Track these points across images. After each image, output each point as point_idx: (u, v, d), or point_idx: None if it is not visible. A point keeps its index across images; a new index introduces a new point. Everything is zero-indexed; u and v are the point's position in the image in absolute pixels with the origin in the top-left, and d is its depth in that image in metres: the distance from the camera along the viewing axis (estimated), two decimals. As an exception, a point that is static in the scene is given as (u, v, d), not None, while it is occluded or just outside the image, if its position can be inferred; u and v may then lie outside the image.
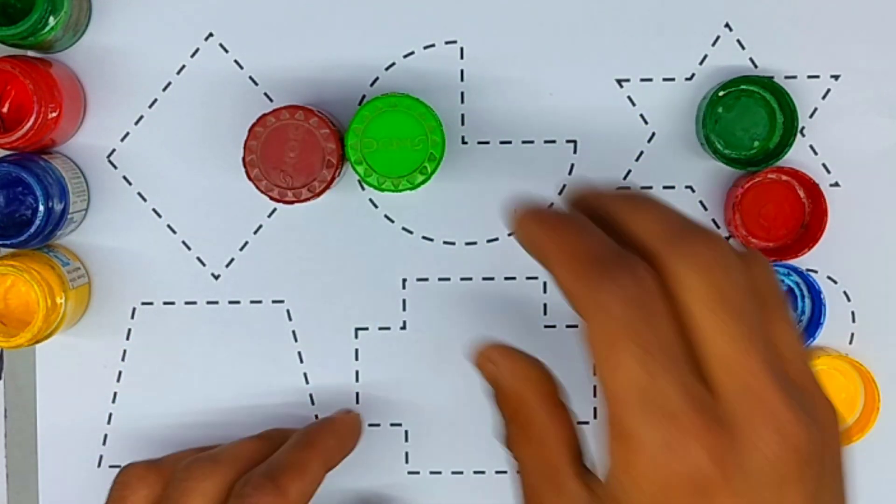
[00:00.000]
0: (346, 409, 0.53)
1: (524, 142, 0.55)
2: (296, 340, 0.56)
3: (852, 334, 0.56)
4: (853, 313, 0.56)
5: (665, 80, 0.55)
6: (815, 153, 0.55)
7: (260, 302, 0.56)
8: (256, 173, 0.50)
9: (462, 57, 0.55)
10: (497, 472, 0.56)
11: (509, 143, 0.55)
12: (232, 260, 0.56)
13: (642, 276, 0.32)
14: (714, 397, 0.31)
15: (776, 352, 0.33)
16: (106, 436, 0.56)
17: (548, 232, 0.36)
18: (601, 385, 0.32)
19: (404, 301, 0.56)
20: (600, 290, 0.32)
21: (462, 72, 0.55)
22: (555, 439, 0.36)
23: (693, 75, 0.55)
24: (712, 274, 0.32)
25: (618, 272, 0.33)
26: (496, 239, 0.56)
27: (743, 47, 0.55)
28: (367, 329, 0.56)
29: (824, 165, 0.55)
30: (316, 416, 0.56)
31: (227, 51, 0.55)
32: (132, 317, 0.56)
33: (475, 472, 0.56)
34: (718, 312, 0.32)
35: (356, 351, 0.56)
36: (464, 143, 0.55)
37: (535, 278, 0.55)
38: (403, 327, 0.56)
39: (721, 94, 0.54)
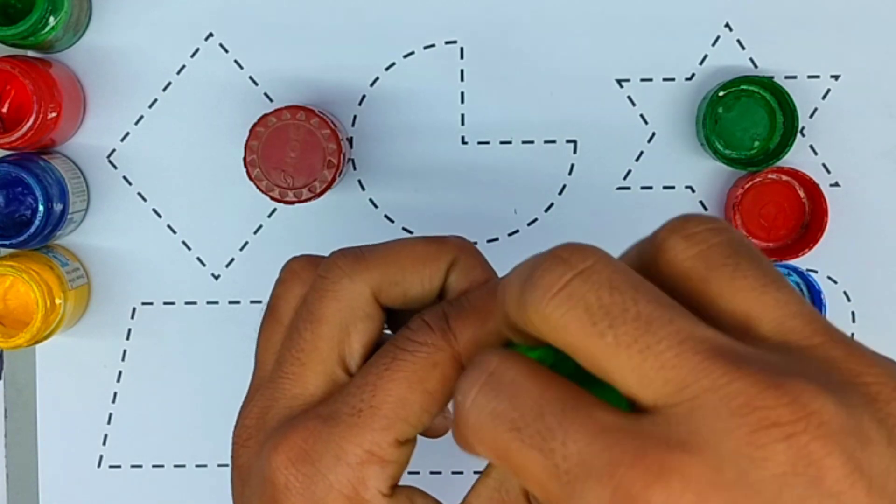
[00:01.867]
0: None
1: (524, 142, 0.55)
2: (296, 340, 0.56)
3: (852, 334, 0.56)
4: (853, 313, 0.56)
5: (665, 80, 0.55)
6: (815, 153, 0.55)
7: (260, 302, 0.56)
8: (257, 173, 0.50)
9: (462, 57, 0.55)
10: (497, 473, 0.56)
11: (509, 143, 0.55)
12: (232, 260, 0.56)
13: (484, 365, 0.25)
14: (653, 418, 0.23)
15: (725, 322, 0.24)
16: (106, 436, 0.56)
17: None
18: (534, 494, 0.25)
19: (404, 301, 0.56)
20: (456, 409, 0.26)
21: (462, 72, 0.55)
22: None
23: (693, 75, 0.55)
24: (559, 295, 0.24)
25: (462, 388, 0.26)
26: (496, 239, 0.56)
27: (743, 47, 0.55)
28: (367, 329, 0.56)
29: (824, 165, 0.55)
30: (316, 417, 0.56)
31: (227, 51, 0.55)
32: (132, 317, 0.56)
33: (475, 473, 0.56)
34: (586, 328, 0.24)
35: (356, 351, 0.56)
36: (464, 143, 0.55)
37: (535, 278, 0.55)
38: (403, 327, 0.56)
39: (721, 94, 0.54)
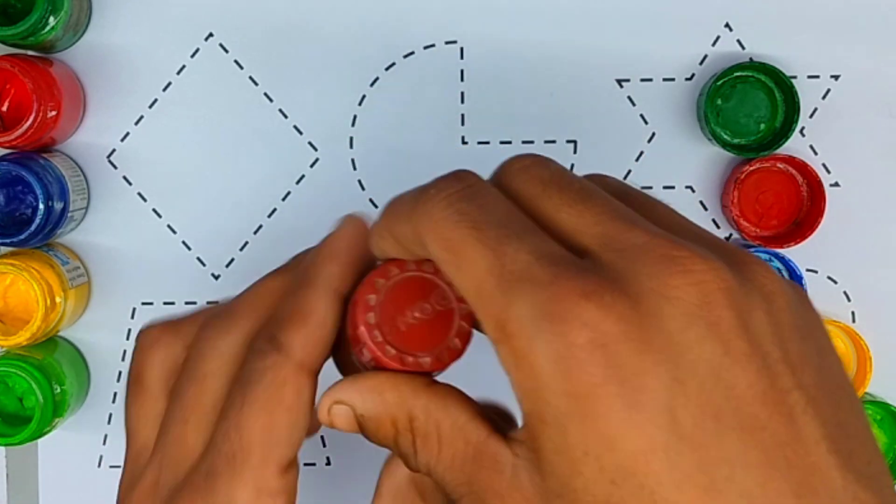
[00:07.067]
0: (347, 216, 0.38)
1: (524, 142, 0.55)
2: (296, 340, 0.56)
3: (853, 334, 0.56)
4: (853, 313, 0.56)
5: (665, 80, 0.55)
6: (815, 153, 0.55)
7: (260, 302, 0.56)
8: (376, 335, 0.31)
9: (462, 57, 0.55)
10: (497, 473, 0.56)
11: (509, 143, 0.55)
12: (232, 260, 0.56)
13: (462, 177, 0.28)
14: (592, 261, 0.26)
15: (657, 221, 0.28)
16: (106, 436, 0.56)
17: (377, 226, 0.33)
18: (465, 295, 0.27)
19: (404, 301, 0.56)
20: (418, 203, 0.29)
21: (462, 72, 0.55)
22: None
23: (693, 75, 0.55)
24: (538, 167, 0.30)
25: (433, 186, 0.29)
26: (496, 239, 0.56)
27: (743, 47, 0.55)
28: (366, 329, 0.56)
29: (824, 165, 0.55)
30: (316, 417, 0.56)
31: (227, 51, 0.55)
32: (132, 317, 0.56)
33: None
34: (554, 191, 0.28)
35: (356, 351, 0.56)
36: (464, 143, 0.55)
37: (535, 278, 0.55)
38: (403, 327, 0.56)
39: (718, 83, 0.53)
